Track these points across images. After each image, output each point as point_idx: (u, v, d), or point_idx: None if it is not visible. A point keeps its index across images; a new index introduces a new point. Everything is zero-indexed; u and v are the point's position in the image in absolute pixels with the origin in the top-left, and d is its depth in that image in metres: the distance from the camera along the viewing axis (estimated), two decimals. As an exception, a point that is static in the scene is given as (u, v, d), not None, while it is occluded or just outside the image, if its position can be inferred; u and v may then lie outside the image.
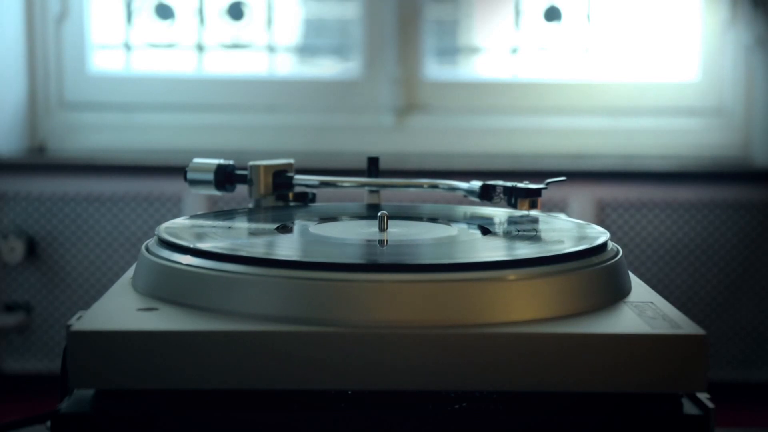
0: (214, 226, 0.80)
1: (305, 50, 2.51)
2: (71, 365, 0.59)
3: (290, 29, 2.49)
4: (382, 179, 0.97)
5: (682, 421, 0.61)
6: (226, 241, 0.73)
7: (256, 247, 0.72)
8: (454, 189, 0.94)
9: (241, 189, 0.99)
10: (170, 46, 2.43)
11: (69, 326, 0.61)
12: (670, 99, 2.38)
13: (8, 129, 2.28)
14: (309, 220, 0.87)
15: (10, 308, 2.23)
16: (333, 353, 0.60)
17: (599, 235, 0.76)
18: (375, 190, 0.99)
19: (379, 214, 0.80)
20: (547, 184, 0.88)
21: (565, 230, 0.80)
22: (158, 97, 2.37)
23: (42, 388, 2.14)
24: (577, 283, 0.66)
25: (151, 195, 2.23)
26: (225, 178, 0.95)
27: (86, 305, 0.79)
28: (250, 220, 0.88)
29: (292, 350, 0.60)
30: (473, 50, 2.49)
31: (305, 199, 0.98)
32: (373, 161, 0.98)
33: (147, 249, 0.73)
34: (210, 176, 0.95)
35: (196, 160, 0.97)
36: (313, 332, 0.60)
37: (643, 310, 0.66)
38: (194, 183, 0.96)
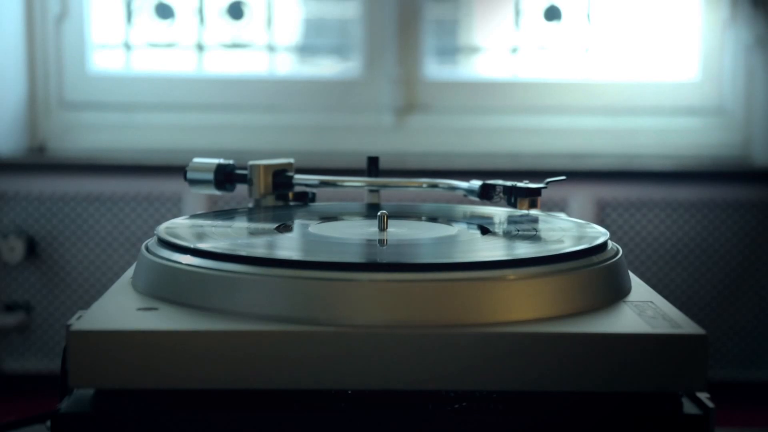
0: (213, 226, 0.80)
1: (305, 50, 2.51)
2: (71, 365, 0.59)
3: (290, 29, 2.49)
4: (382, 179, 0.97)
5: (682, 420, 0.61)
6: (225, 240, 0.73)
7: (256, 247, 0.72)
8: (453, 188, 0.94)
9: (241, 189, 0.99)
10: (170, 45, 2.43)
11: (69, 326, 0.61)
12: (670, 98, 2.38)
13: (8, 129, 2.28)
14: (309, 219, 0.87)
15: (10, 308, 2.23)
16: (333, 353, 0.60)
17: (599, 234, 0.76)
18: (375, 190, 0.99)
19: (378, 213, 0.80)
20: (547, 183, 0.88)
21: (565, 230, 0.80)
22: (158, 97, 2.37)
23: (42, 388, 2.14)
24: (577, 283, 0.66)
25: (151, 195, 2.23)
26: (225, 177, 0.95)
27: (86, 305, 0.79)
28: (250, 219, 0.88)
29: (292, 350, 0.60)
30: (473, 50, 2.49)
31: (305, 198, 0.99)
32: (373, 161, 0.98)
33: (147, 249, 0.73)
34: (210, 176, 0.95)
35: (196, 159, 0.97)
36: (313, 332, 0.60)
37: (643, 310, 0.66)
38: (194, 183, 0.96)
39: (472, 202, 0.94)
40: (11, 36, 2.28)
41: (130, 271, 0.75)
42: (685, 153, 2.34)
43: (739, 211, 2.23)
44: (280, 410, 0.61)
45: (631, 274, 0.75)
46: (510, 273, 0.64)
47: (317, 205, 0.97)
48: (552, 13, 2.43)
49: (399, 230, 0.82)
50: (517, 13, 2.43)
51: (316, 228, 0.82)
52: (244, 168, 0.96)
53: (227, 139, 2.35)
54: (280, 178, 0.96)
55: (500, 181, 0.91)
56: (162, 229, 0.76)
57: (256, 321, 0.61)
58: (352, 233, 0.80)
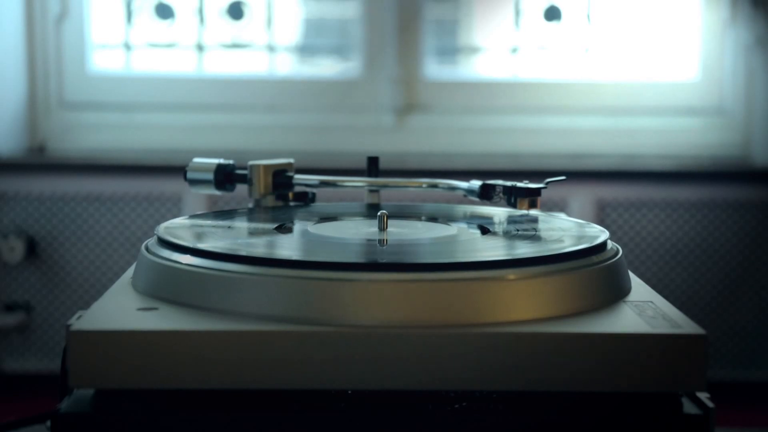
0: (213, 226, 0.80)
1: (305, 50, 2.51)
2: (71, 365, 0.59)
3: (290, 29, 2.49)
4: (381, 179, 0.97)
5: (682, 420, 0.61)
6: (225, 240, 0.73)
7: (256, 247, 0.72)
8: (453, 188, 0.94)
9: (241, 189, 0.99)
10: (170, 45, 2.43)
11: (69, 326, 0.61)
12: (670, 98, 2.38)
13: (8, 129, 2.28)
14: (309, 219, 0.87)
15: (10, 308, 2.23)
16: (333, 353, 0.60)
17: (599, 234, 0.76)
18: (375, 190, 0.99)
19: (378, 213, 0.80)
20: (547, 183, 0.88)
21: (565, 229, 0.80)
22: (158, 97, 2.37)
23: (42, 388, 2.14)
24: (577, 283, 0.66)
25: (151, 195, 2.23)
26: (225, 177, 0.95)
27: (86, 305, 0.79)
28: (249, 219, 0.88)
29: (292, 350, 0.60)
30: (473, 50, 2.49)
31: (305, 198, 0.98)
32: (373, 161, 0.98)
33: (147, 249, 0.73)
34: (210, 176, 0.95)
35: (196, 159, 0.97)
36: (313, 332, 0.60)
37: (643, 310, 0.66)
38: (194, 182, 0.96)
39: (472, 202, 0.94)
40: (11, 36, 2.28)
41: (130, 271, 0.75)
42: (685, 153, 2.34)
43: (739, 211, 2.23)
44: (280, 410, 0.61)
45: (631, 274, 0.75)
46: (510, 273, 0.64)
47: (317, 205, 0.97)
48: (552, 13, 2.43)
49: (399, 230, 0.82)
50: (517, 13, 2.43)
51: (316, 228, 0.82)
52: (244, 168, 0.96)
53: (227, 139, 2.35)
54: (280, 178, 0.96)
55: (500, 181, 0.91)
56: (162, 228, 0.76)
57: (256, 321, 0.61)
58: (352, 233, 0.80)
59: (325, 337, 0.60)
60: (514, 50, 2.42)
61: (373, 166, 0.98)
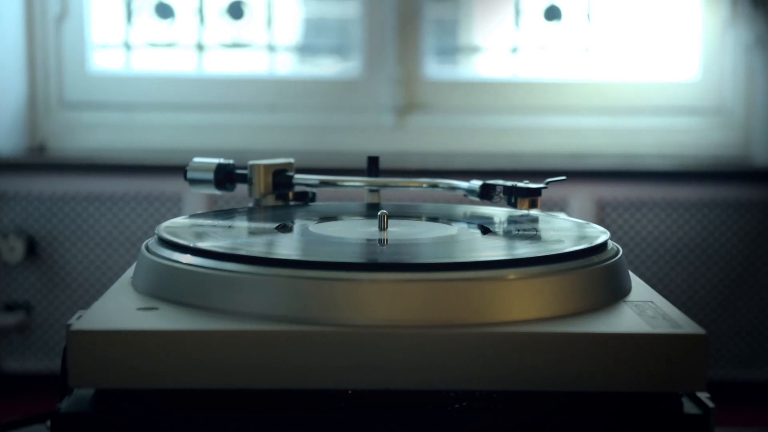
0: (214, 226, 0.80)
1: (305, 50, 2.51)
2: (71, 365, 0.59)
3: (290, 29, 2.49)
4: (381, 179, 0.97)
5: (682, 420, 0.61)
6: (226, 240, 0.73)
7: (256, 247, 0.72)
8: (454, 188, 0.94)
9: (242, 188, 0.99)
10: (170, 45, 2.43)
11: (69, 326, 0.61)
12: (670, 98, 2.38)
13: (8, 129, 2.27)
14: (309, 219, 0.87)
15: (10, 308, 2.23)
16: (333, 353, 0.60)
17: (599, 234, 0.76)
18: (375, 190, 0.99)
19: (379, 213, 0.80)
20: (547, 183, 0.88)
21: (565, 229, 0.80)
22: (158, 97, 2.37)
23: (42, 387, 2.14)
24: (577, 283, 0.66)
25: (151, 195, 2.23)
26: (225, 177, 0.95)
27: (86, 305, 0.79)
28: (250, 219, 0.88)
29: (292, 350, 0.60)
30: (473, 50, 2.49)
31: (305, 198, 0.98)
32: (373, 161, 0.98)
33: (147, 248, 0.73)
34: (210, 175, 0.95)
35: (196, 159, 0.97)
36: (312, 332, 0.60)
37: (644, 310, 0.66)
38: (194, 182, 0.96)
39: (472, 202, 0.94)
40: (11, 36, 2.28)
41: (130, 271, 0.75)
42: (685, 153, 2.34)
43: (739, 211, 2.23)
44: (280, 410, 0.61)
45: (631, 274, 0.75)
46: (510, 273, 0.64)
47: (317, 205, 0.97)
48: (552, 13, 2.43)
49: (399, 230, 0.82)
50: (517, 13, 2.43)
51: (316, 228, 0.82)
52: (244, 168, 0.96)
53: (227, 139, 2.35)
54: (280, 178, 0.96)
55: (500, 181, 0.91)
56: (162, 228, 0.76)
57: (256, 321, 0.61)
58: (352, 233, 0.80)
59: (325, 337, 0.60)
60: (514, 50, 2.42)
61: (373, 166, 0.98)
